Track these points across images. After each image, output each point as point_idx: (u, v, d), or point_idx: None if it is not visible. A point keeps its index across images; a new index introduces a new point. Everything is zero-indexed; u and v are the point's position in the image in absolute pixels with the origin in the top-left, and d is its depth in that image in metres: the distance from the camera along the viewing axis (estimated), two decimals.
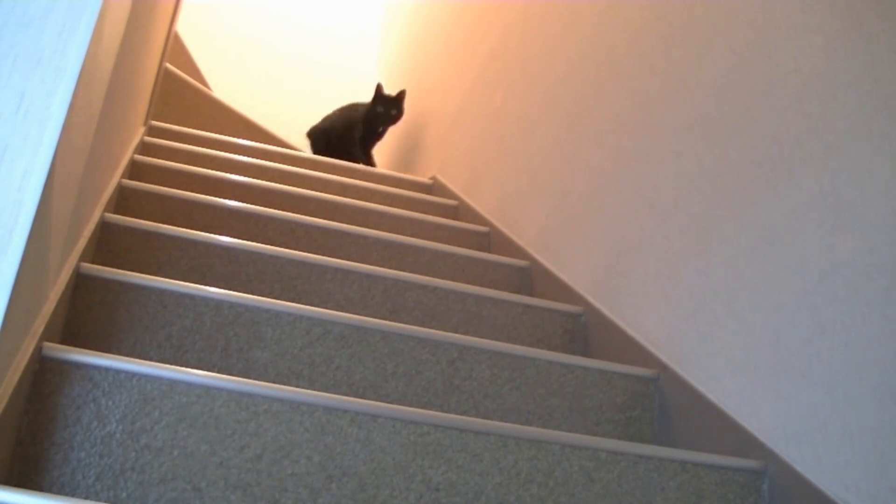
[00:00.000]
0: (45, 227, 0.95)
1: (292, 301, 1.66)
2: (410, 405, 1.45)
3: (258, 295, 1.58)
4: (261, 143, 3.39)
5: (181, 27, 3.73)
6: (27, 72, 0.79)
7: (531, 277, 2.20)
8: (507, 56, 2.84)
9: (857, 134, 1.22)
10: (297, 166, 2.82)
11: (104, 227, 1.63)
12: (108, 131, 1.50)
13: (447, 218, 2.73)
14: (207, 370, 1.30)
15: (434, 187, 3.28)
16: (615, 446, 1.27)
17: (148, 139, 2.51)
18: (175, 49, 3.81)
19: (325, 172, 2.82)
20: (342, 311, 1.69)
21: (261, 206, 2.06)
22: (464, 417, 1.22)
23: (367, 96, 3.71)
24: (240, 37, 5.05)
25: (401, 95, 3.62)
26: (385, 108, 3.61)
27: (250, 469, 1.11)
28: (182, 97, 3.64)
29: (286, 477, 1.12)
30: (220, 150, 2.70)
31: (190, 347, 1.39)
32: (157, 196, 1.93)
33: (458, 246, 2.29)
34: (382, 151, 4.78)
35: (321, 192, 2.50)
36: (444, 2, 3.83)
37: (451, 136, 3.28)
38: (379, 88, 3.66)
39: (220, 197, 2.05)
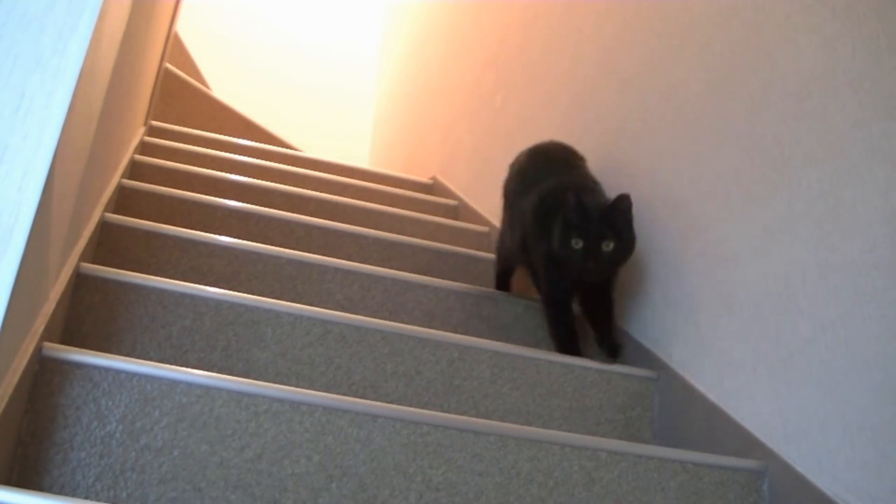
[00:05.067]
0: (45, 227, 0.95)
1: (292, 301, 1.66)
2: (410, 405, 1.45)
3: (258, 295, 1.58)
4: (261, 142, 3.39)
5: (181, 27, 3.73)
6: (27, 72, 0.79)
7: None
8: (507, 57, 2.84)
9: (857, 134, 1.22)
10: (297, 166, 2.82)
11: (104, 227, 1.62)
12: (108, 131, 1.50)
13: (447, 218, 2.73)
14: (207, 370, 1.30)
15: (434, 187, 3.28)
16: (615, 446, 1.27)
17: (148, 139, 2.51)
18: (175, 49, 3.81)
19: (324, 172, 2.82)
20: (342, 311, 1.69)
21: (261, 206, 2.06)
22: (464, 417, 1.22)
23: (368, 92, 3.44)
24: (240, 37, 5.05)
25: (621, 205, 1.57)
26: (590, 240, 1.54)
27: (250, 469, 1.11)
28: (182, 97, 3.64)
29: (286, 477, 1.11)
30: (220, 150, 2.71)
31: (190, 347, 1.39)
32: (157, 196, 1.93)
33: (459, 246, 2.29)
34: (383, 151, 4.72)
35: (321, 192, 2.50)
36: (446, 3, 3.83)
37: (452, 136, 3.28)
38: (570, 198, 1.56)
39: (219, 197, 2.05)
